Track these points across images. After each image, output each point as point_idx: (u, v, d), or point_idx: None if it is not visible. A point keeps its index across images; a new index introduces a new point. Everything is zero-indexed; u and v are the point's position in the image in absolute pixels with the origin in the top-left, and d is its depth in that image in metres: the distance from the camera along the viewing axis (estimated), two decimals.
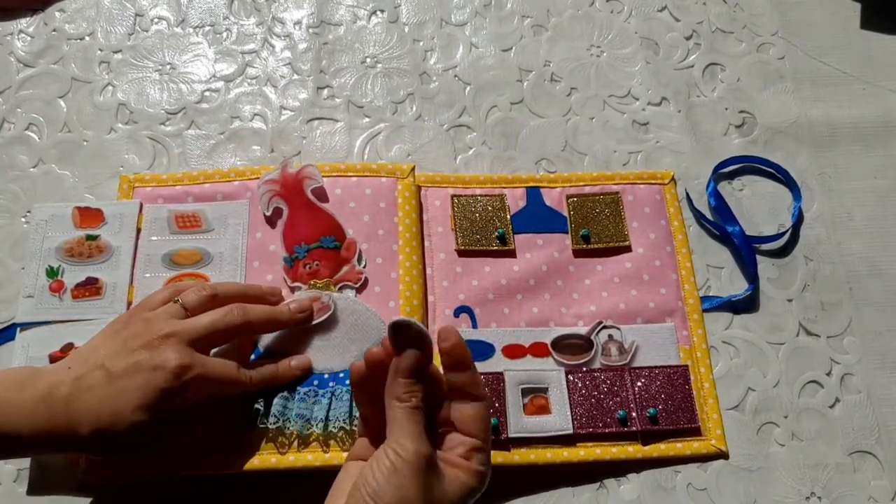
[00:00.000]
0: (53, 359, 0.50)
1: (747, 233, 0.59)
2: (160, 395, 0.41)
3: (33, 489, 0.49)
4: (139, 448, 0.44)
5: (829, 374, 0.55)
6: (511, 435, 0.50)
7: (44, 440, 0.40)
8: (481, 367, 0.52)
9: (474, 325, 0.54)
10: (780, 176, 0.62)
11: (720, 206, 0.60)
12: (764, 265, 0.59)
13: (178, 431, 0.44)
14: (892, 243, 0.60)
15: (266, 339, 0.51)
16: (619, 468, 0.51)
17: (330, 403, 0.48)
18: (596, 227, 0.58)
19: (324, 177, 0.56)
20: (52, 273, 0.53)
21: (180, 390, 0.42)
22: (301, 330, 0.50)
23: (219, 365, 0.44)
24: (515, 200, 0.58)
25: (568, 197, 0.59)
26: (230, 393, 0.45)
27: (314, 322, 0.50)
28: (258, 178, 0.56)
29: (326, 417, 0.47)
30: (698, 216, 0.60)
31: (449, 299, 0.55)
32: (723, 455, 0.52)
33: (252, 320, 0.46)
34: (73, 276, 0.53)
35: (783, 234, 0.59)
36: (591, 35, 0.67)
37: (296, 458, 0.47)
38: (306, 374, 0.49)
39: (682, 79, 0.66)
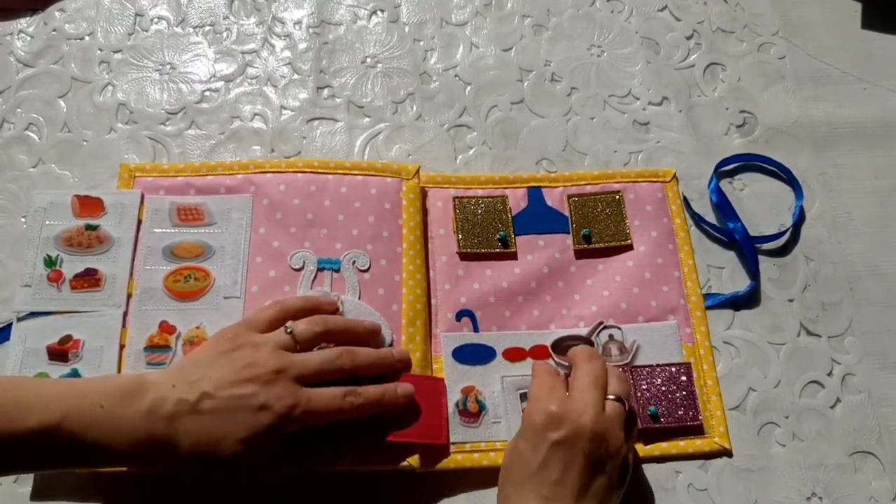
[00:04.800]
0: (51, 350, 0.50)
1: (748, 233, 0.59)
2: (263, 433, 0.41)
3: (37, 494, 0.48)
4: (231, 474, 0.44)
5: (829, 374, 0.55)
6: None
7: (139, 454, 0.41)
8: (482, 371, 0.52)
9: (475, 329, 0.54)
10: (782, 174, 0.62)
11: (722, 202, 0.59)
12: (765, 265, 0.58)
13: (274, 463, 0.44)
14: (892, 243, 0.60)
15: None
16: None
17: None
18: (597, 227, 0.58)
19: (328, 174, 0.56)
20: (50, 262, 0.53)
21: (285, 426, 0.42)
22: None
23: (324, 397, 0.44)
24: (517, 201, 0.58)
25: (569, 196, 0.59)
26: (332, 421, 0.45)
27: None
28: (262, 171, 0.56)
29: None
30: (697, 219, 0.60)
31: (450, 303, 0.54)
32: (726, 452, 0.52)
33: (359, 365, 0.46)
34: (72, 266, 0.53)
35: (784, 233, 0.59)
36: (592, 35, 0.67)
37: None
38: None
39: (682, 78, 0.66)
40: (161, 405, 0.41)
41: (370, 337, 0.50)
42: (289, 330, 0.46)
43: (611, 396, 0.45)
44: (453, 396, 0.51)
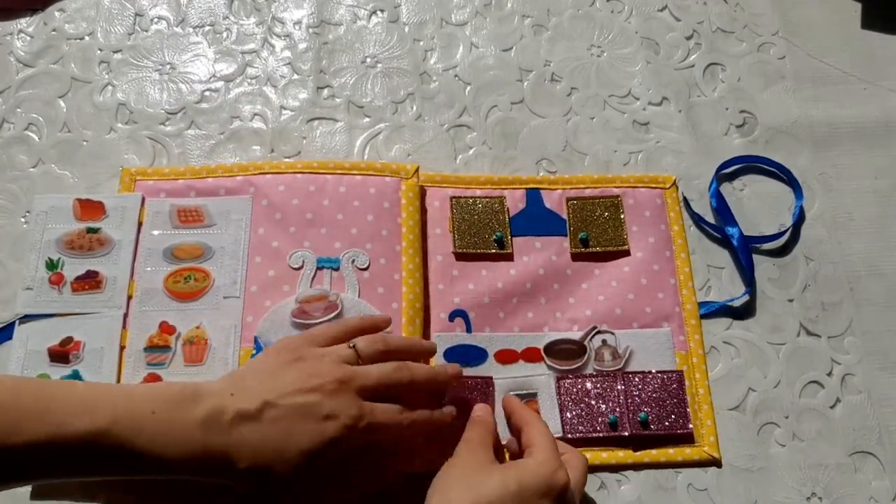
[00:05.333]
0: (52, 352, 0.50)
1: (748, 233, 0.59)
2: (328, 444, 0.40)
3: (37, 494, 0.48)
4: (289, 493, 0.41)
5: (829, 374, 0.55)
6: (503, 442, 0.50)
7: (191, 465, 0.39)
8: (473, 372, 0.52)
9: (468, 330, 0.54)
10: (783, 175, 0.62)
11: (721, 207, 0.59)
12: (765, 265, 0.58)
13: (330, 484, 0.43)
14: (892, 243, 0.60)
15: (267, 336, 0.51)
16: (617, 468, 0.51)
17: None
18: (595, 231, 0.58)
19: (327, 174, 0.56)
20: (51, 265, 0.53)
21: (348, 440, 0.41)
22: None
23: (385, 410, 0.43)
24: (515, 202, 0.58)
25: (568, 199, 0.58)
26: (389, 437, 0.44)
27: (321, 321, 0.51)
28: (261, 173, 0.56)
29: None
30: (697, 219, 0.60)
31: (444, 303, 0.54)
32: (715, 462, 0.52)
33: (416, 380, 0.46)
34: (73, 268, 0.53)
35: (783, 233, 0.59)
36: (592, 35, 0.67)
37: None
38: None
39: (682, 79, 0.66)
40: (219, 414, 0.39)
41: (425, 357, 0.50)
42: (352, 345, 0.46)
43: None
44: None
